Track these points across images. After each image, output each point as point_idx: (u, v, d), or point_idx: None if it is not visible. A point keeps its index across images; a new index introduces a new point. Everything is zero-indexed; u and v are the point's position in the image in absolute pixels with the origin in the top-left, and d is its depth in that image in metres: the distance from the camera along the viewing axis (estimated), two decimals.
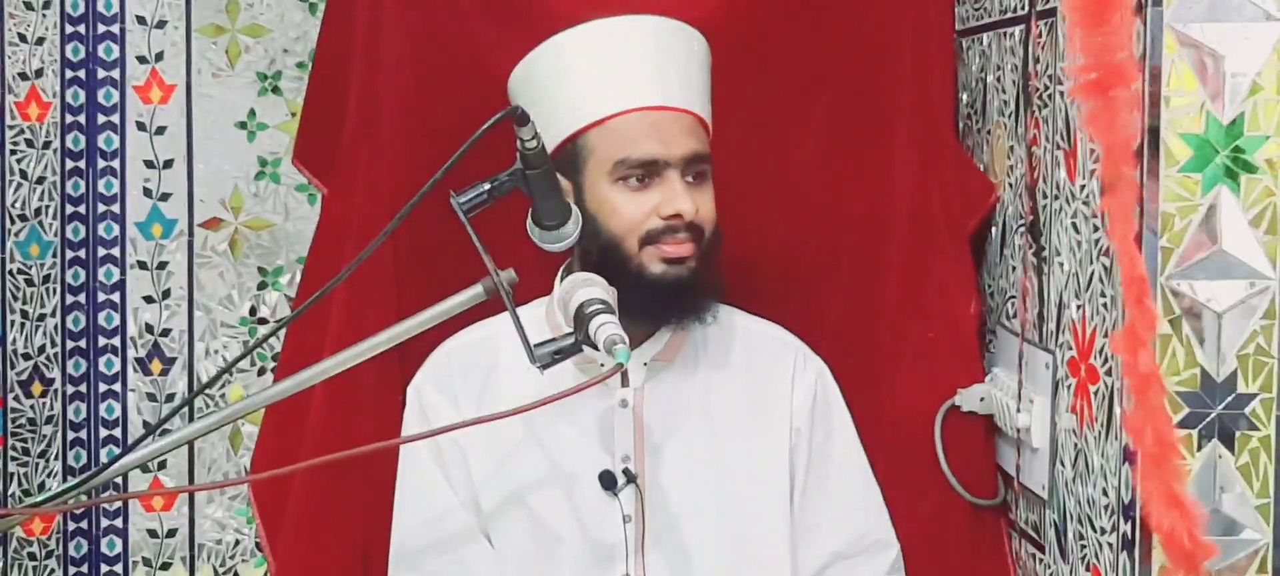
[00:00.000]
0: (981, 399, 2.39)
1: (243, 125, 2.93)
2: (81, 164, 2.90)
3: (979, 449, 2.42)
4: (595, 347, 1.89)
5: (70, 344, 2.91)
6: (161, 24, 2.90)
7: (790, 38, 2.52)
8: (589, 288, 1.98)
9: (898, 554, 2.33)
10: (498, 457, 2.23)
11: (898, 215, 2.49)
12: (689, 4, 2.36)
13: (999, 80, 2.39)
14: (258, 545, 2.93)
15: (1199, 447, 1.85)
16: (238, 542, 2.98)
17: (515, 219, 2.15)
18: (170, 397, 2.94)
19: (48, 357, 2.88)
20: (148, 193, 2.92)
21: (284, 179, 2.93)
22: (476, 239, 1.91)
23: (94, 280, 2.92)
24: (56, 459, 2.91)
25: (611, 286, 2.01)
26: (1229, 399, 1.85)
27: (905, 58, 2.50)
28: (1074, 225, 2.06)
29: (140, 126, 2.91)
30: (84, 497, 1.88)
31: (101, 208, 2.91)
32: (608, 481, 2.19)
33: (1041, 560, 2.24)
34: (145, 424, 2.92)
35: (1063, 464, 2.12)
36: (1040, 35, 2.19)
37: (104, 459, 2.91)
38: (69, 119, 2.88)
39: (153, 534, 2.96)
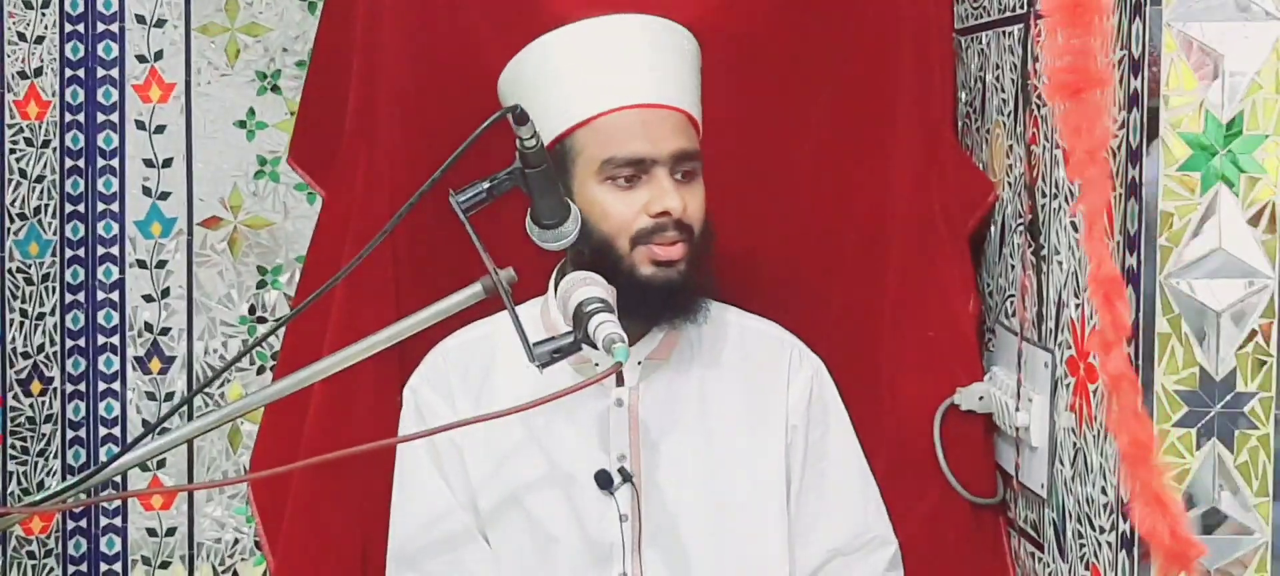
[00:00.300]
0: (980, 397, 2.39)
1: (242, 124, 2.93)
2: (81, 162, 2.90)
3: (978, 447, 2.42)
4: (594, 346, 1.89)
5: (69, 342, 2.91)
6: (161, 23, 2.90)
7: (788, 36, 2.52)
8: (588, 286, 1.98)
9: (896, 550, 2.33)
10: (494, 457, 2.23)
11: (897, 214, 2.49)
12: (687, 4, 2.36)
13: (998, 79, 2.39)
14: (257, 543, 2.93)
15: (1198, 446, 1.85)
16: (237, 541, 2.98)
17: (514, 218, 2.15)
18: (169, 396, 2.94)
19: (47, 356, 2.88)
20: (147, 191, 2.92)
21: (283, 178, 2.93)
22: (475, 238, 1.91)
23: (93, 279, 2.92)
24: (56, 457, 2.91)
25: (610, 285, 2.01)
26: (1228, 398, 1.85)
27: (904, 56, 2.50)
28: (1073, 224, 2.06)
29: (139, 125, 2.91)
30: (83, 496, 1.88)
31: (101, 206, 2.91)
32: (603, 480, 2.19)
33: (1040, 559, 2.24)
34: (144, 422, 2.92)
35: (1062, 462, 2.12)
36: (1039, 34, 2.19)
37: (103, 457, 2.91)
38: (68, 118, 2.88)
39: (152, 532, 2.96)
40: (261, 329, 2.94)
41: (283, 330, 2.70)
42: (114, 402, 2.93)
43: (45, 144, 2.86)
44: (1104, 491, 1.97)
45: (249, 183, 2.94)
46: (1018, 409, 2.26)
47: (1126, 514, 1.86)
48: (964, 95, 2.56)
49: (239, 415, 2.00)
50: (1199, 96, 1.82)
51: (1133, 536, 1.86)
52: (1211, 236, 1.83)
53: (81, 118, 2.89)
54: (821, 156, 2.55)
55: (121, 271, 2.92)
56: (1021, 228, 2.29)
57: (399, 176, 2.47)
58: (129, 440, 2.90)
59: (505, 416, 1.81)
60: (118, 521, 2.95)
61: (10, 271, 2.83)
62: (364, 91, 2.52)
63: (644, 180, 2.16)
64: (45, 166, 2.86)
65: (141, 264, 2.93)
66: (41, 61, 2.85)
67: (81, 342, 2.91)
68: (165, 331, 2.93)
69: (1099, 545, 1.99)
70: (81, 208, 2.90)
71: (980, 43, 2.47)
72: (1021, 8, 2.27)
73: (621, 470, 2.19)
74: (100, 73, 2.89)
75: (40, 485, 2.88)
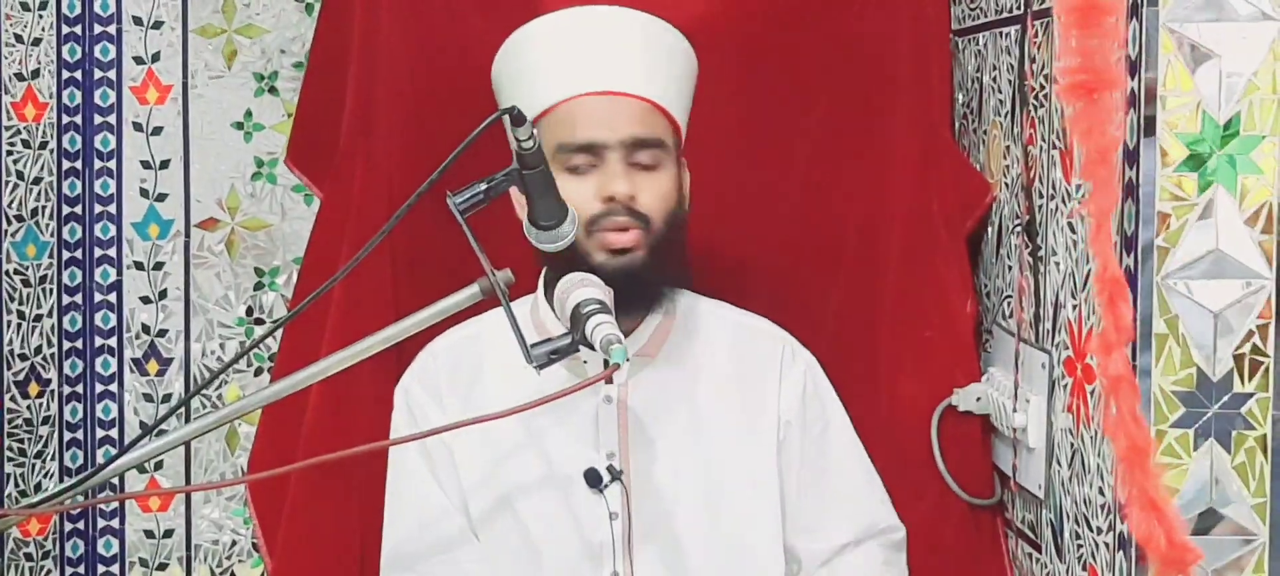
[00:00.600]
0: (978, 398, 2.39)
1: (239, 126, 2.93)
2: (78, 164, 2.90)
3: (975, 448, 2.42)
4: (592, 347, 1.88)
5: (67, 344, 2.91)
6: (158, 25, 2.90)
7: (787, 38, 2.52)
8: (586, 287, 1.98)
9: (903, 536, 2.32)
10: (485, 457, 2.22)
11: (894, 215, 2.49)
12: (686, 4, 2.36)
13: (995, 80, 2.39)
14: (254, 545, 2.93)
15: (1195, 447, 1.85)
16: (235, 543, 2.98)
17: (511, 218, 2.15)
18: (167, 398, 2.94)
19: (44, 358, 2.88)
20: (144, 193, 2.92)
21: (280, 179, 2.93)
22: (473, 239, 1.91)
23: (90, 280, 2.92)
24: (53, 459, 2.91)
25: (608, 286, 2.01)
26: (1225, 398, 1.85)
27: (902, 58, 2.50)
28: (1070, 225, 2.06)
29: (137, 127, 2.91)
30: (81, 498, 1.88)
31: (98, 208, 2.91)
32: (593, 479, 2.18)
33: (1038, 559, 2.24)
34: (142, 424, 2.92)
35: (1059, 463, 2.12)
36: (1036, 35, 2.19)
37: (101, 459, 2.91)
38: (65, 119, 2.88)
39: (149, 534, 2.96)
40: (259, 330, 2.94)
41: (280, 331, 2.70)
42: (111, 404, 2.93)
43: (42, 146, 2.86)
44: (1101, 492, 1.97)
45: (246, 184, 2.94)
46: (1015, 410, 2.26)
47: (1124, 516, 1.86)
48: (961, 96, 2.57)
49: (237, 417, 2.00)
50: (1196, 97, 1.82)
51: (1130, 537, 1.86)
52: (1208, 237, 1.83)
53: (79, 119, 2.89)
54: (819, 157, 2.55)
55: (119, 273, 2.92)
56: (1019, 228, 2.29)
57: (397, 177, 2.47)
58: (126, 442, 2.90)
59: (498, 419, 1.80)
60: (115, 523, 2.95)
61: (7, 273, 2.83)
62: (361, 93, 2.52)
63: (599, 167, 2.15)
64: (42, 168, 2.86)
65: (139, 265, 2.92)
66: (39, 63, 2.85)
67: (79, 344, 2.91)
68: (162, 333, 2.93)
69: (1096, 546, 1.99)
70: (79, 209, 2.90)
71: (977, 44, 2.47)
72: (1019, 9, 2.27)
73: (610, 468, 2.18)
74: (97, 74, 2.89)
75: (38, 487, 2.88)
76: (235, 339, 2.95)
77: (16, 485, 2.85)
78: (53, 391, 2.90)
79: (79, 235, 2.90)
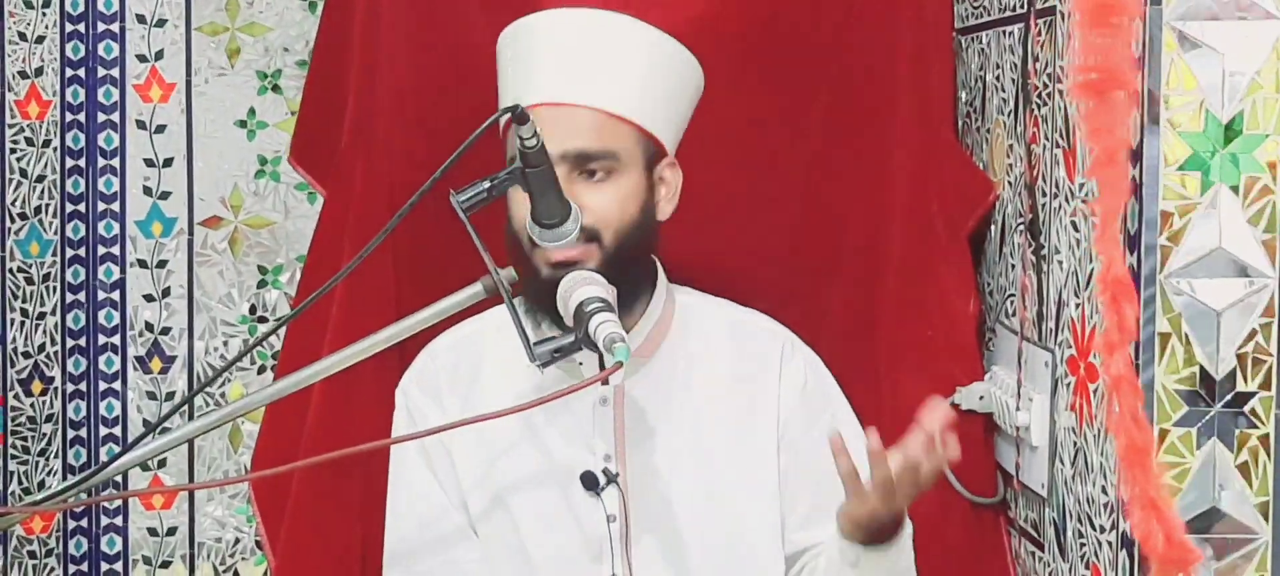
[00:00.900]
0: (981, 397, 2.38)
1: (242, 123, 2.93)
2: (81, 162, 2.90)
3: (978, 447, 2.42)
4: (594, 346, 1.88)
5: (70, 342, 2.91)
6: (161, 22, 2.91)
7: (788, 35, 2.52)
8: (589, 286, 1.97)
9: (910, 530, 2.31)
10: (483, 457, 2.22)
11: (897, 213, 2.49)
12: (686, 4, 2.36)
13: (998, 78, 2.39)
14: (258, 543, 2.93)
15: (1198, 446, 1.85)
16: (238, 540, 2.98)
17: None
18: (170, 396, 2.94)
19: (48, 356, 2.88)
20: (148, 191, 2.92)
21: (284, 177, 2.93)
22: (476, 237, 1.90)
23: (94, 278, 2.92)
24: (56, 457, 2.91)
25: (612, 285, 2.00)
26: (1228, 397, 1.85)
27: (904, 56, 2.50)
28: (1073, 223, 2.06)
29: (140, 125, 2.91)
30: (84, 496, 1.88)
31: (101, 206, 2.91)
32: (589, 482, 2.17)
33: (1041, 558, 2.24)
34: (145, 422, 2.93)
35: (1062, 462, 2.12)
36: (1039, 33, 2.19)
37: (104, 457, 2.91)
38: (69, 117, 2.89)
39: (153, 532, 2.96)
40: (262, 328, 2.94)
41: (283, 329, 2.70)
42: (115, 402, 2.93)
43: (46, 143, 2.86)
44: (1104, 491, 1.97)
45: (249, 182, 2.94)
46: (1018, 408, 2.26)
47: (1125, 515, 1.86)
48: (964, 95, 2.56)
49: (240, 414, 2.01)
50: (1199, 96, 1.82)
51: (1133, 536, 1.86)
52: (1211, 235, 1.83)
53: (82, 117, 2.89)
54: (821, 156, 2.55)
55: (122, 271, 2.92)
56: (1022, 227, 2.29)
57: (399, 176, 2.46)
58: (130, 439, 2.90)
59: (496, 418, 1.79)
60: (118, 521, 2.95)
61: (11, 271, 2.83)
62: (364, 91, 2.52)
63: None
64: (46, 166, 2.86)
65: (142, 263, 2.93)
66: (42, 61, 2.85)
67: (82, 342, 2.92)
68: (166, 331, 2.94)
69: (1099, 544, 1.99)
70: (82, 207, 2.90)
71: (980, 42, 2.47)
72: (1022, 7, 2.27)
73: (606, 471, 2.17)
74: (101, 72, 2.89)
75: (41, 484, 2.88)
76: (238, 337, 2.95)
77: (20, 482, 2.86)
78: (56, 389, 2.90)
79: (82, 233, 2.91)
